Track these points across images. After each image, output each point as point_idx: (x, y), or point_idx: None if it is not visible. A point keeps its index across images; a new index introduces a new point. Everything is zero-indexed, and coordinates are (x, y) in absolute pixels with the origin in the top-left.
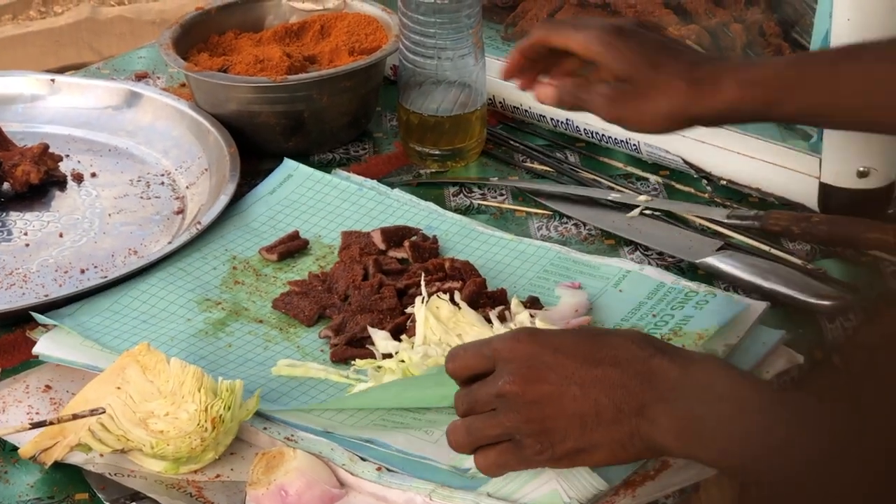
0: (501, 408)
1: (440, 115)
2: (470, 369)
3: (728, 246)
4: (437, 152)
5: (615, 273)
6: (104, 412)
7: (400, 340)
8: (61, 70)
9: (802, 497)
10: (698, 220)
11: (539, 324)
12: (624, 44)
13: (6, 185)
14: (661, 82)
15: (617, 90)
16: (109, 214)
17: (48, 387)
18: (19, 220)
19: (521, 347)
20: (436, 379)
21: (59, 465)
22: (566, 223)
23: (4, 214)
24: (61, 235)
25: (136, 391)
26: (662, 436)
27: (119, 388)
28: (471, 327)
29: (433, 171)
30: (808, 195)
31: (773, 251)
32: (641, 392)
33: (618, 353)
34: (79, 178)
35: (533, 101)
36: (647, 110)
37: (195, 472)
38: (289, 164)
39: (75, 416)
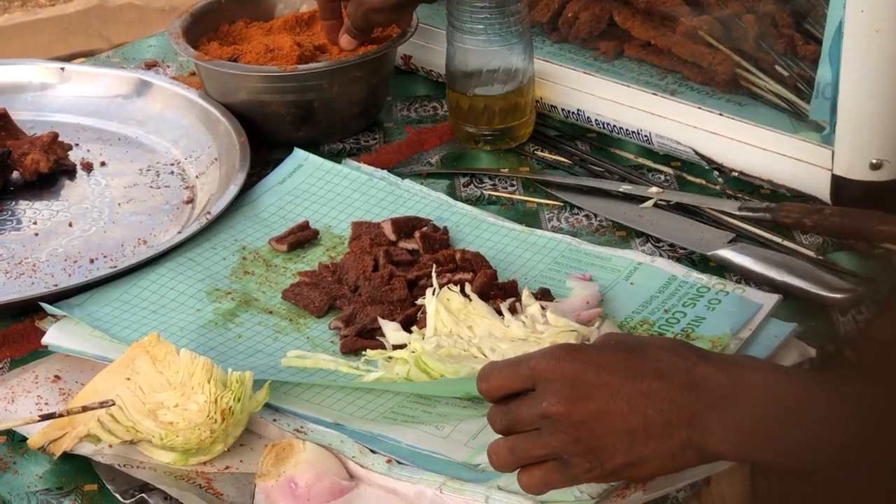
0: (546, 428)
1: (490, 97)
2: (505, 389)
3: (740, 238)
4: (488, 133)
5: (626, 265)
6: (113, 404)
7: (410, 332)
8: (70, 57)
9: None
10: (710, 212)
11: (550, 316)
12: None
13: (16, 174)
14: None
15: None
16: (119, 204)
17: (57, 377)
18: (29, 209)
19: (563, 366)
20: (449, 384)
21: (67, 456)
22: (577, 214)
23: (14, 203)
24: (71, 225)
25: (145, 382)
26: (717, 444)
27: (128, 378)
28: (481, 319)
29: (486, 151)
30: (820, 187)
31: (785, 243)
32: (690, 403)
33: (661, 366)
34: (88, 167)
35: (544, 91)
36: None
37: (204, 463)
38: (299, 154)
39: (85, 409)
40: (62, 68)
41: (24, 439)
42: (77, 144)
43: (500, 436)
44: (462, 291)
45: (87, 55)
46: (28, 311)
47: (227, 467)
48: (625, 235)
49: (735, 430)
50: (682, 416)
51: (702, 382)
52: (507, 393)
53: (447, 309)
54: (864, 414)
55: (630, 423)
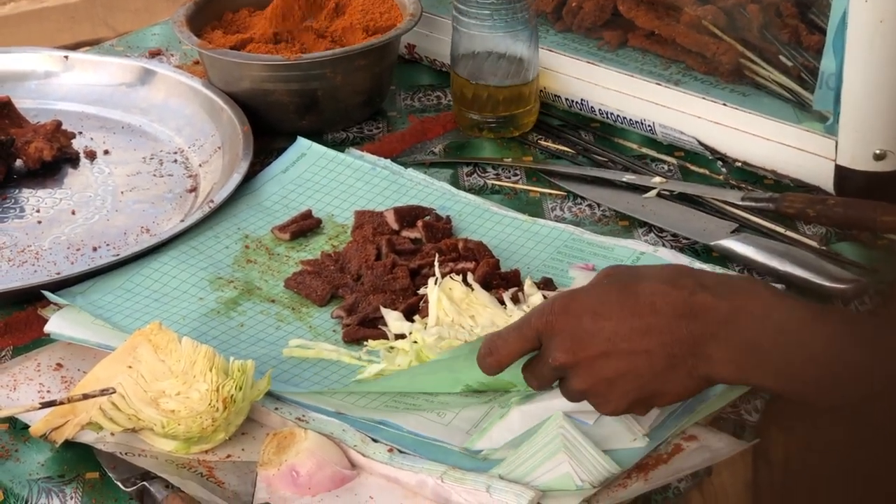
0: (567, 377)
1: (494, 86)
2: (516, 355)
3: (743, 228)
4: (492, 120)
5: (629, 255)
6: (114, 392)
7: (413, 321)
8: (76, 46)
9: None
10: (713, 202)
11: None
12: None
13: (19, 162)
14: None
15: None
16: (122, 192)
17: (59, 365)
18: (32, 198)
19: (560, 320)
20: (448, 364)
21: (69, 444)
22: (580, 204)
23: (17, 191)
24: (74, 213)
25: (147, 370)
26: (720, 369)
27: (130, 367)
28: (484, 308)
29: (489, 139)
30: (823, 177)
31: (788, 234)
32: (690, 333)
33: (655, 300)
34: (91, 156)
35: (548, 80)
36: None
37: (206, 451)
38: (302, 143)
39: (86, 396)
40: (66, 56)
41: (26, 427)
42: (80, 133)
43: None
44: (464, 281)
45: (93, 44)
46: (31, 299)
47: (228, 456)
48: (628, 225)
49: (736, 356)
50: (684, 346)
51: (700, 311)
52: (518, 358)
53: (449, 298)
54: (868, 339)
55: (634, 362)
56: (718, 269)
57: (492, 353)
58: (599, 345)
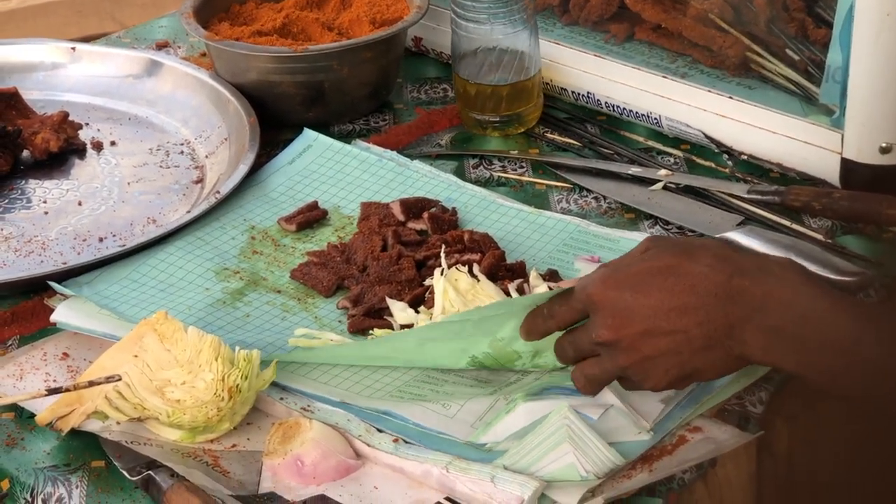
0: (605, 353)
1: (497, 84)
2: (569, 322)
3: (748, 221)
4: (496, 119)
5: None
6: (120, 379)
7: (418, 312)
8: (83, 40)
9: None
10: (719, 195)
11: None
12: None
13: (26, 153)
14: None
15: None
16: (128, 183)
17: (66, 354)
18: (38, 188)
19: (605, 294)
20: (456, 329)
21: (75, 433)
22: (586, 196)
23: (24, 182)
24: (80, 204)
25: (153, 360)
26: (753, 352)
27: (136, 356)
28: (489, 299)
29: (495, 136)
30: (829, 171)
31: (794, 227)
32: (726, 315)
33: (694, 281)
34: (98, 147)
35: (555, 73)
36: None
37: (211, 441)
38: (308, 135)
39: (91, 383)
40: (73, 48)
41: (32, 416)
42: (87, 124)
43: None
44: (470, 272)
45: (100, 38)
46: (37, 289)
47: (233, 445)
48: (633, 218)
49: (765, 341)
50: (721, 328)
51: (737, 295)
52: (571, 324)
53: (455, 289)
54: (887, 335)
55: (673, 341)
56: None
57: (550, 318)
58: (640, 323)
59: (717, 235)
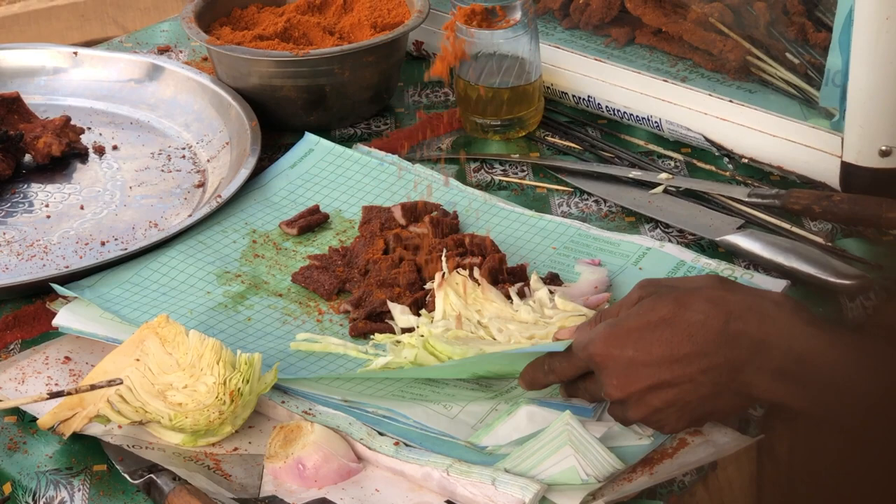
0: (617, 407)
1: (498, 88)
2: (569, 377)
3: (749, 224)
4: (498, 123)
5: (635, 250)
6: (121, 383)
7: (419, 315)
8: (86, 44)
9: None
10: (719, 198)
11: (559, 301)
12: None
13: (28, 157)
14: None
15: None
16: (130, 187)
17: (68, 358)
18: (41, 192)
19: (605, 354)
20: (457, 369)
21: (77, 437)
22: (587, 200)
23: (26, 186)
24: (82, 207)
25: (154, 363)
26: (757, 392)
27: (138, 359)
28: (490, 303)
29: (496, 140)
30: (829, 174)
31: (794, 230)
32: (727, 360)
33: (692, 331)
34: (100, 151)
35: (555, 77)
36: None
37: (213, 444)
38: (310, 139)
39: (93, 387)
40: (75, 52)
41: (34, 420)
42: (89, 128)
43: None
44: (471, 275)
45: (103, 42)
46: (39, 293)
47: (235, 448)
48: (634, 221)
49: (768, 382)
50: (724, 372)
51: (734, 339)
52: (571, 379)
53: (456, 293)
54: (876, 367)
55: (680, 391)
56: (724, 265)
57: (545, 375)
58: (646, 378)
59: (718, 238)
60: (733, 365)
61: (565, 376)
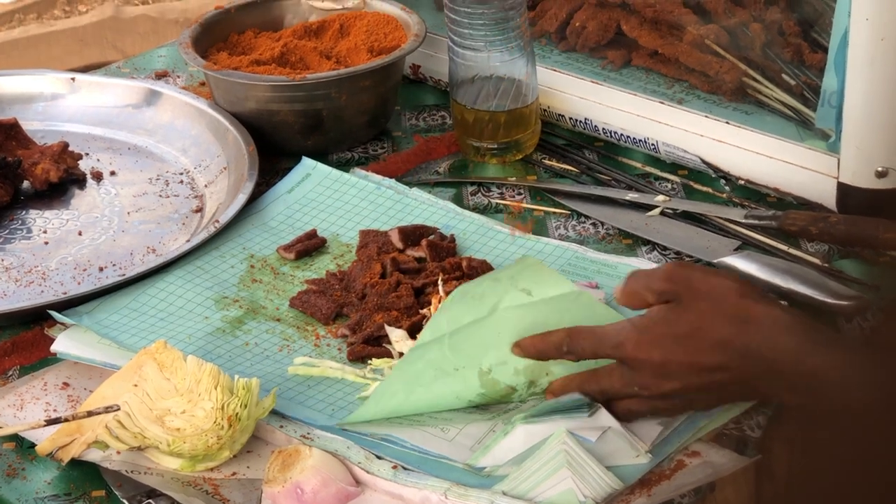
0: (643, 394)
1: (495, 111)
2: (589, 356)
3: (746, 246)
4: (495, 146)
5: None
6: (119, 409)
7: (416, 339)
8: (85, 69)
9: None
10: (716, 220)
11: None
12: None
13: (26, 184)
14: None
15: None
16: (128, 213)
17: (66, 384)
18: (39, 218)
19: (644, 348)
20: (437, 360)
21: (76, 463)
22: (584, 223)
23: (24, 212)
24: (80, 233)
25: (152, 388)
26: (779, 392)
27: (136, 385)
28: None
29: (493, 164)
30: (826, 195)
31: (791, 251)
32: (744, 374)
33: (715, 349)
34: (98, 177)
35: (552, 100)
36: None
37: (211, 469)
38: (307, 163)
39: (90, 413)
40: (73, 78)
41: (33, 446)
42: (87, 154)
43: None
44: None
45: (102, 67)
46: (37, 319)
47: (233, 473)
48: (631, 243)
49: (784, 392)
50: (743, 385)
51: (753, 355)
52: (590, 357)
53: None
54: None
55: (708, 394)
56: None
57: (558, 351)
58: (678, 378)
59: (715, 260)
60: (750, 378)
61: (582, 357)
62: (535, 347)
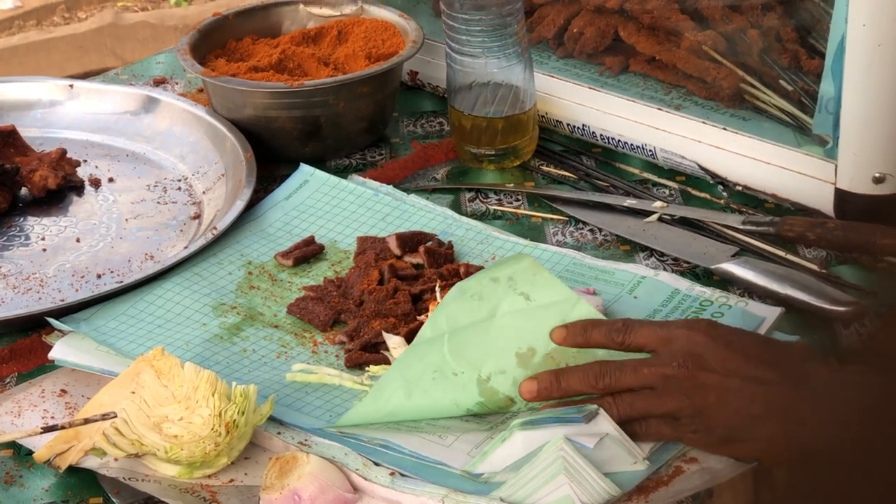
0: (665, 388)
1: (492, 117)
2: (639, 347)
3: (743, 252)
4: (492, 152)
5: (630, 279)
6: (115, 416)
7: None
8: (84, 76)
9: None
10: (714, 226)
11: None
12: None
13: (24, 191)
14: None
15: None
16: (126, 219)
17: (63, 391)
18: (37, 225)
19: (698, 337)
20: (435, 362)
21: (73, 470)
22: (582, 229)
23: (22, 219)
24: (78, 240)
25: (150, 395)
26: (810, 435)
27: (133, 392)
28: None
29: (490, 170)
30: (823, 201)
31: (789, 257)
32: (791, 392)
33: (779, 355)
34: (96, 183)
35: (550, 106)
36: None
37: (209, 476)
38: (305, 170)
39: (87, 420)
40: (71, 85)
41: (30, 453)
42: (85, 161)
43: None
44: None
45: (101, 73)
46: (35, 326)
47: (231, 480)
48: (629, 249)
49: (827, 424)
50: (782, 404)
51: (805, 377)
52: (639, 350)
53: None
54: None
55: (738, 400)
56: (718, 293)
57: (626, 333)
58: (720, 372)
59: (713, 266)
60: (793, 399)
61: (636, 343)
62: (558, 385)
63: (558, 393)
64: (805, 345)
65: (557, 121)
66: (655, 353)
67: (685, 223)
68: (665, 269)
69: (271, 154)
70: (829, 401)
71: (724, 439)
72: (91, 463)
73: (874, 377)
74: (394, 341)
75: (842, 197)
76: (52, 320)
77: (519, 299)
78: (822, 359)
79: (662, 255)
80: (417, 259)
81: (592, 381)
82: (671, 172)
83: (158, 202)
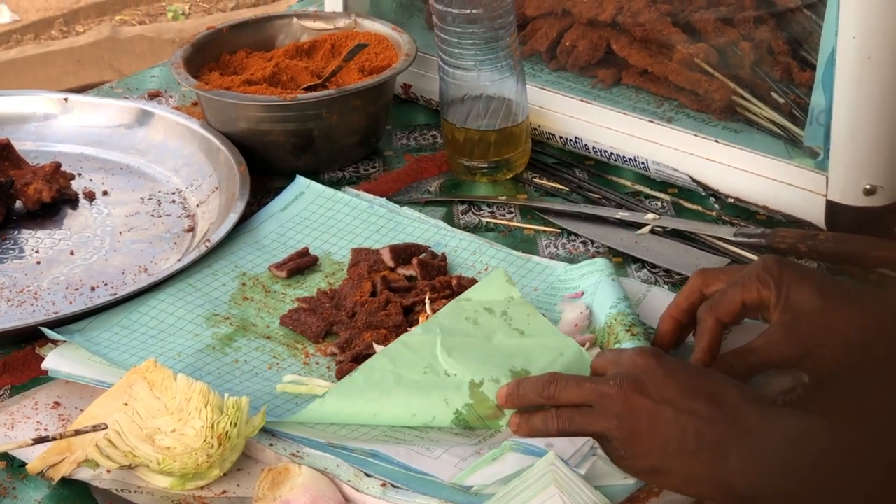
0: (601, 407)
1: (485, 130)
2: (576, 396)
3: (735, 264)
4: (485, 165)
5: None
6: (106, 428)
7: None
8: (82, 89)
9: None
10: (706, 238)
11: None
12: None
13: (19, 204)
14: None
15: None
16: (120, 232)
17: (57, 403)
18: (31, 238)
19: (641, 361)
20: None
21: (66, 481)
22: (574, 241)
23: (17, 232)
24: (72, 253)
25: (143, 407)
26: (735, 476)
27: (126, 404)
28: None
29: (483, 183)
30: (815, 213)
31: None
32: (724, 430)
33: (716, 391)
34: (90, 197)
35: (542, 119)
36: None
37: (201, 488)
38: (301, 182)
39: (77, 432)
40: (65, 99)
41: (24, 465)
42: (79, 174)
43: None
44: None
45: (98, 87)
46: (29, 339)
47: (223, 492)
48: (621, 262)
49: (754, 465)
50: (713, 442)
51: (740, 417)
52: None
53: None
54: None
55: (668, 431)
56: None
57: (539, 396)
58: (653, 398)
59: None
60: (725, 437)
61: (602, 368)
62: (516, 391)
63: (518, 399)
64: (745, 386)
65: (550, 133)
66: (605, 374)
67: (677, 235)
68: (657, 282)
69: (265, 167)
70: (757, 443)
71: (652, 469)
72: (84, 474)
73: (822, 424)
74: None
75: (833, 208)
76: (46, 330)
77: (514, 333)
78: (758, 401)
79: (654, 267)
80: (411, 271)
81: (540, 390)
82: (663, 184)
83: (152, 215)
